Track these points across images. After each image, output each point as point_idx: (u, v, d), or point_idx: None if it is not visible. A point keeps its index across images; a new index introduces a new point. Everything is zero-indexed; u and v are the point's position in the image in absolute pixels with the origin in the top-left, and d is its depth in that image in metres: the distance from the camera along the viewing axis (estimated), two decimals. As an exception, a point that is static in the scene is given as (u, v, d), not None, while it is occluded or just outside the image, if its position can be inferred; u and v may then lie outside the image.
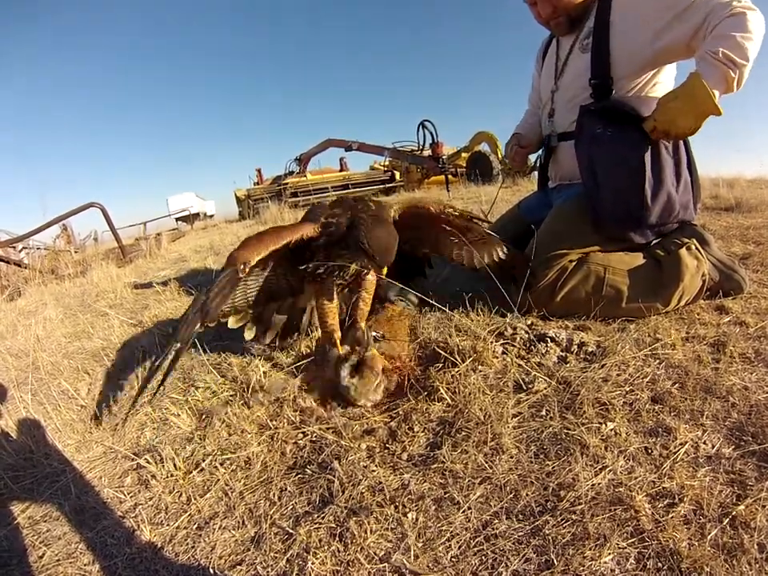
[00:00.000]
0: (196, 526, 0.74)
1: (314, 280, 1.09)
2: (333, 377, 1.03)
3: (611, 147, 1.14)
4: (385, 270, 1.00)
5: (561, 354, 1.05)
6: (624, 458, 0.73)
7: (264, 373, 1.10)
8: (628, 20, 1.17)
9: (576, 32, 1.30)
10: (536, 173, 1.62)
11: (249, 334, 1.17)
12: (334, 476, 0.77)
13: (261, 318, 1.20)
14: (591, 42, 1.23)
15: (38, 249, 4.67)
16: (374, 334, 1.20)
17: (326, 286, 1.09)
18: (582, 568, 0.57)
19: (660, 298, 1.15)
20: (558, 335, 1.08)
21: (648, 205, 1.12)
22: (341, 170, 9.16)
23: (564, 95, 1.34)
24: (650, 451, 0.74)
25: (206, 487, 0.82)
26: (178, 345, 0.87)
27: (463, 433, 0.83)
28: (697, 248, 1.17)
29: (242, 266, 0.89)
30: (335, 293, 1.11)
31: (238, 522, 0.74)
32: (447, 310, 1.28)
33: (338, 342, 1.10)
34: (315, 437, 0.90)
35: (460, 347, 1.06)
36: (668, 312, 1.18)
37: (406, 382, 1.03)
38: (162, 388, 0.92)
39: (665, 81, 1.22)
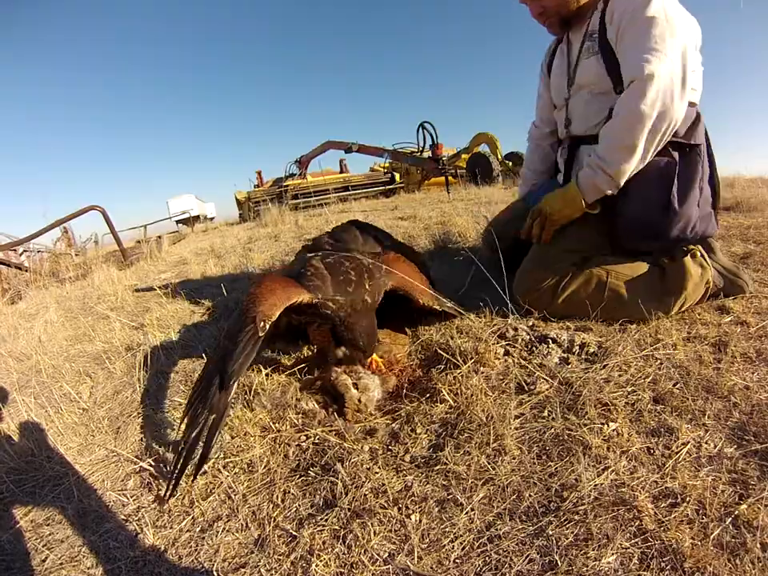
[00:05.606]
0: (199, 528, 0.75)
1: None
2: (334, 385, 1.03)
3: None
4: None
5: (562, 354, 1.05)
6: (626, 458, 0.73)
7: (266, 375, 1.11)
8: (615, 28, 1.13)
9: (582, 30, 1.26)
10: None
11: None
12: (337, 478, 0.77)
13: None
14: (597, 47, 1.19)
15: (38, 252, 4.67)
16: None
17: (320, 331, 1.14)
18: (585, 568, 0.57)
19: (662, 304, 1.13)
20: (559, 336, 1.08)
21: (671, 219, 1.11)
22: (341, 172, 9.17)
23: (579, 99, 1.30)
24: (652, 451, 0.74)
25: (208, 490, 0.82)
26: (213, 415, 0.80)
27: (465, 434, 0.83)
28: (702, 255, 1.15)
29: (261, 324, 0.90)
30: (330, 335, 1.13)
31: (242, 525, 0.74)
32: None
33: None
34: (318, 439, 0.90)
35: (462, 349, 1.06)
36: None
37: (407, 384, 1.03)
38: (204, 465, 0.82)
39: (694, 83, 1.10)
